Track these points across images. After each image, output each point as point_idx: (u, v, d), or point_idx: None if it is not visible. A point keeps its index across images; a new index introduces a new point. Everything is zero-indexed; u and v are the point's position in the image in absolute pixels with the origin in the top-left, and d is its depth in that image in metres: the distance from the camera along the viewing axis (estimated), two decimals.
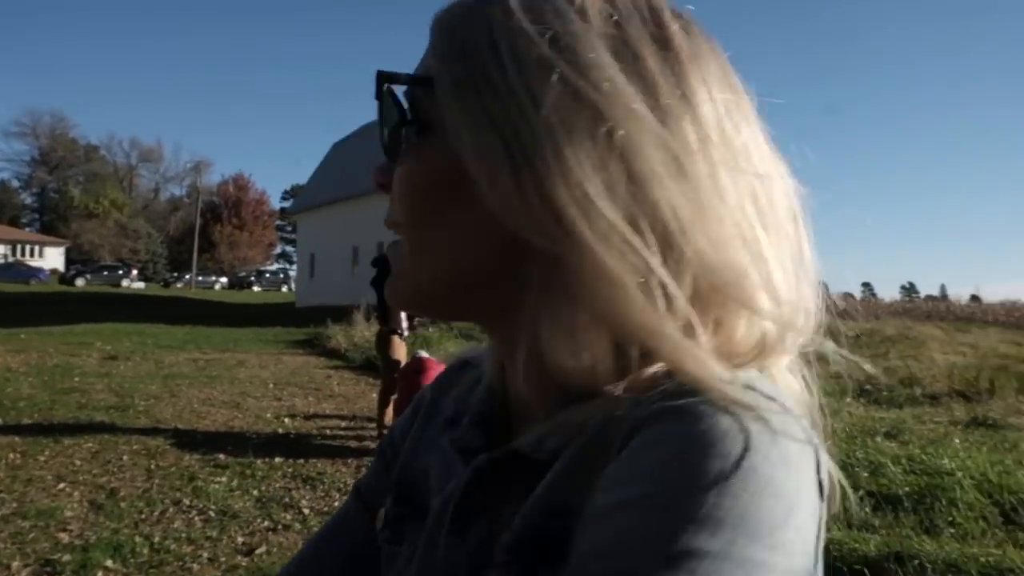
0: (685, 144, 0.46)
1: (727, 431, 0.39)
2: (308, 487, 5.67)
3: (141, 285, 51.26)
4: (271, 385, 10.75)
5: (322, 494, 5.51)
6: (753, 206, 0.48)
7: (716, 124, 0.48)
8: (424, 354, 7.27)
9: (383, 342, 7.50)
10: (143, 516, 4.80)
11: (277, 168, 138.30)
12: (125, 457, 6.29)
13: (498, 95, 0.47)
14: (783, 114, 0.54)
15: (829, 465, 0.45)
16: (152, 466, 6.03)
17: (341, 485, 5.71)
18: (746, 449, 0.39)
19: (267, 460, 6.35)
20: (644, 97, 0.46)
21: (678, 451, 0.39)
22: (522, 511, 0.48)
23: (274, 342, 17.59)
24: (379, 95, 0.54)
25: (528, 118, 0.46)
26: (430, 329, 15.54)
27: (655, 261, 0.44)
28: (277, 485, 5.68)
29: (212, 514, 4.90)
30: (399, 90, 0.53)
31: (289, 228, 67.07)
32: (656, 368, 0.46)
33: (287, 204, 66.71)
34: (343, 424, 8.14)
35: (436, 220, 0.52)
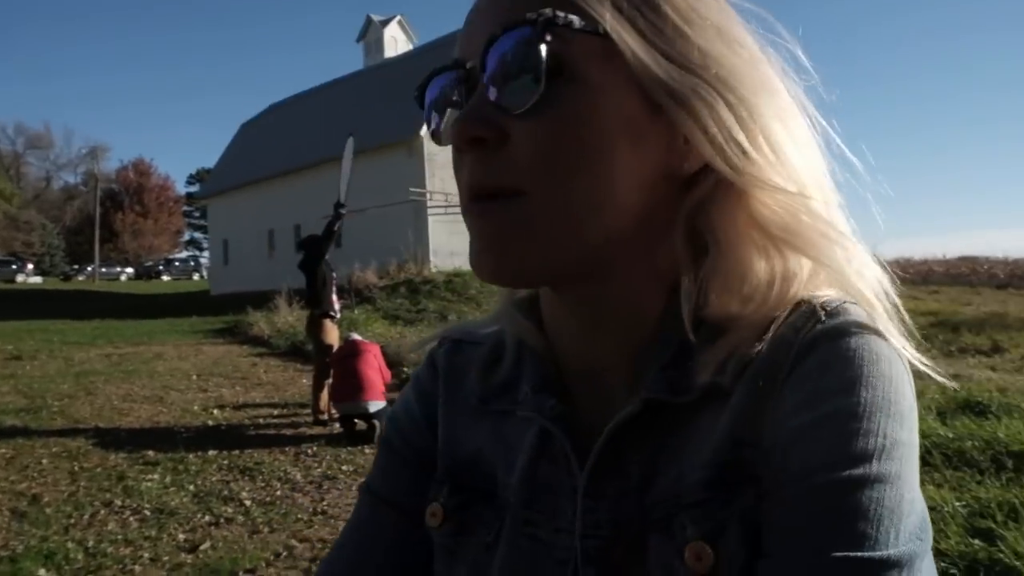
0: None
1: (877, 343, 0.48)
2: (247, 478, 5.51)
3: (39, 279, 48.29)
4: (194, 376, 10.35)
5: (262, 484, 5.36)
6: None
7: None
8: (357, 336, 7.15)
9: (315, 326, 7.32)
10: (72, 521, 4.56)
11: (181, 152, 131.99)
12: (44, 461, 5.95)
13: (658, 40, 0.49)
14: None
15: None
16: (75, 468, 5.73)
17: (281, 474, 5.58)
18: (890, 357, 0.48)
19: (200, 454, 6.13)
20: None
21: (858, 361, 0.46)
22: (710, 448, 0.49)
23: (191, 332, 16.92)
24: (493, 42, 0.49)
25: (721, 58, 0.50)
26: (355, 312, 15.28)
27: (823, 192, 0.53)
28: (214, 479, 5.50)
29: (148, 513, 4.70)
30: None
31: (197, 214, 64.39)
32: (779, 296, 0.51)
33: (194, 189, 63.96)
34: (275, 412, 7.92)
35: (587, 177, 0.48)
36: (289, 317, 15.28)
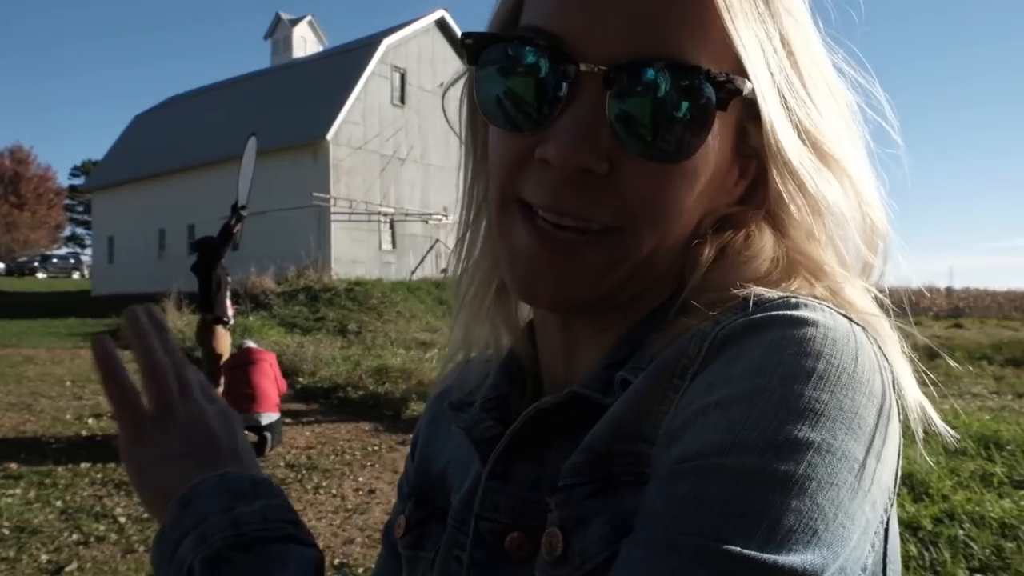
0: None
1: (820, 335, 0.40)
2: (123, 493, 5.16)
3: None
4: (68, 383, 9.66)
5: (139, 500, 5.03)
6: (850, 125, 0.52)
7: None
8: (252, 344, 6.89)
9: (205, 331, 6.99)
10: None
11: (65, 142, 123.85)
12: None
13: (797, 105, 0.48)
14: None
15: (916, 394, 0.48)
16: None
17: None
18: (839, 351, 0.40)
19: (70, 466, 5.71)
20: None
21: (774, 350, 0.40)
22: (590, 435, 0.45)
23: (68, 335, 15.80)
24: (643, 66, 0.44)
25: (834, 139, 0.50)
26: (250, 318, 14.74)
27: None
28: (85, 493, 5.13)
29: (6, 532, 4.32)
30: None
31: (81, 208, 60.48)
32: (716, 289, 0.47)
33: (78, 181, 60.07)
34: None
35: (686, 213, 0.48)
36: (179, 322, 14.53)
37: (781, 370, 0.39)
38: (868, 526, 0.38)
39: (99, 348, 0.56)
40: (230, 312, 7.09)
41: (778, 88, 0.47)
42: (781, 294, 0.44)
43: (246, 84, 26.03)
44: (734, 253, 0.48)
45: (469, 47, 0.50)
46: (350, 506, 5.01)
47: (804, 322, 0.41)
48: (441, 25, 24.80)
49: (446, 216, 24.24)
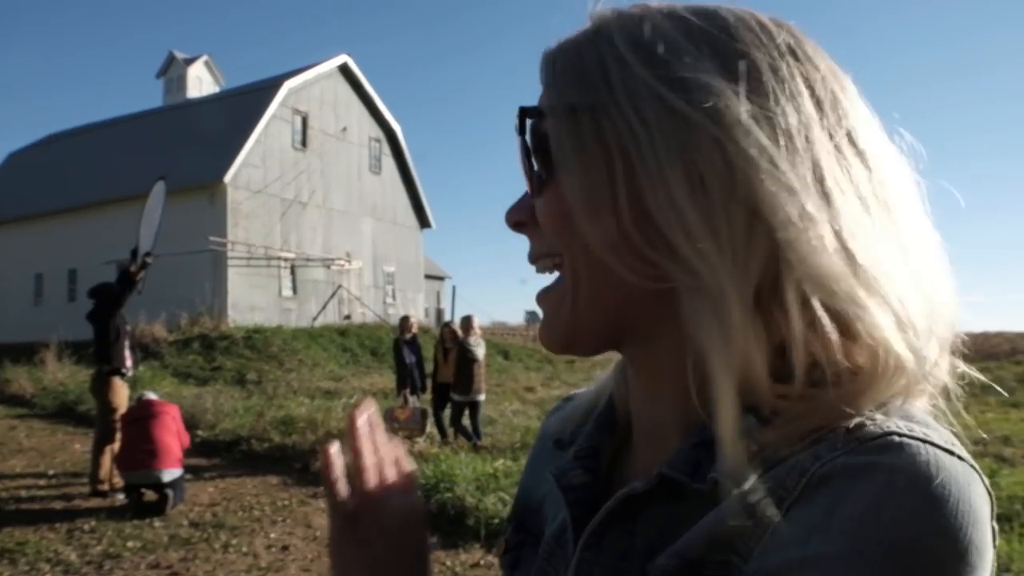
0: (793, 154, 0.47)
1: (924, 486, 0.40)
2: (6, 561, 4.74)
3: None
4: None
5: (26, 568, 4.64)
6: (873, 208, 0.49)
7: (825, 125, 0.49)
8: (152, 395, 6.53)
9: (101, 383, 6.57)
10: None
11: None
12: None
13: (610, 120, 0.50)
14: None
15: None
16: None
17: (51, 555, 4.86)
18: (944, 504, 0.39)
19: None
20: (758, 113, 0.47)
21: (876, 507, 0.39)
22: (683, 542, 0.48)
23: None
24: (520, 130, 0.54)
25: (633, 139, 0.48)
26: (140, 368, 13.93)
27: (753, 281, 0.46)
28: None
29: None
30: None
31: None
32: (823, 407, 0.45)
33: None
34: (42, 482, 6.93)
35: (580, 251, 0.52)
36: (59, 373, 13.57)
37: (878, 533, 0.39)
38: None
39: (326, 455, 0.60)
40: (128, 363, 6.70)
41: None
42: (883, 427, 0.43)
43: (136, 123, 24.98)
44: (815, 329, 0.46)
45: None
46: (263, 564, 4.79)
47: (910, 470, 0.40)
48: (344, 70, 24.79)
49: (349, 261, 23.89)
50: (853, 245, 0.46)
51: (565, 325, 0.54)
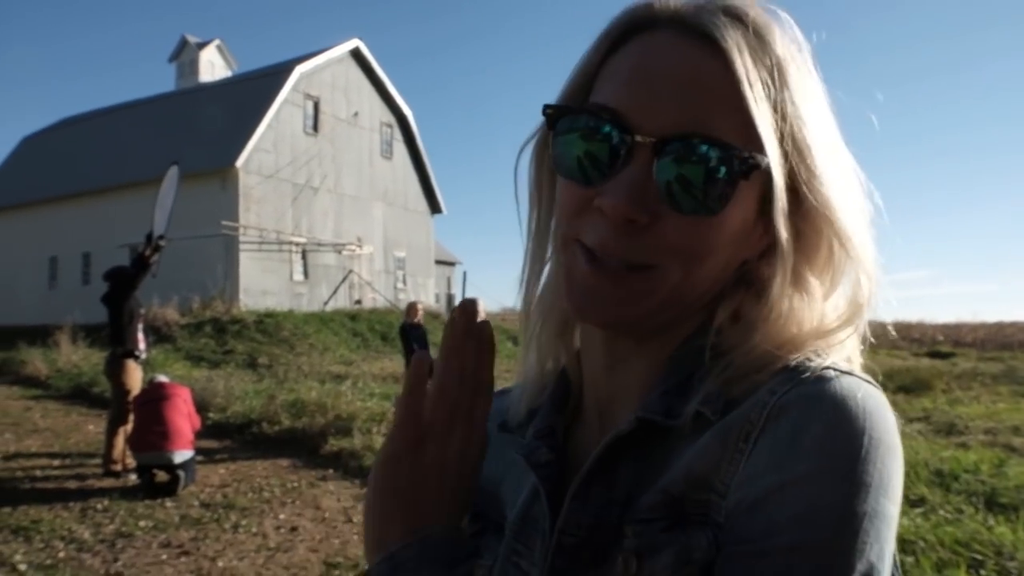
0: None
1: (861, 409, 0.50)
2: (22, 539, 4.83)
3: None
4: None
5: (41, 545, 4.73)
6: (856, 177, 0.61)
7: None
8: (164, 378, 6.60)
9: (115, 366, 6.64)
10: None
11: None
12: None
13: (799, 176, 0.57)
14: None
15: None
16: None
17: (64, 533, 4.95)
18: (875, 422, 0.50)
19: None
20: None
21: (831, 429, 0.49)
22: (667, 479, 0.55)
23: None
24: (684, 140, 0.54)
25: (838, 204, 0.59)
26: (153, 351, 14.06)
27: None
28: None
29: None
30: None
31: None
32: (766, 341, 0.56)
33: None
34: (56, 463, 7.04)
35: (710, 265, 0.57)
36: (73, 355, 13.72)
37: (838, 448, 0.49)
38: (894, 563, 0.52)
39: (418, 362, 0.57)
40: (142, 346, 6.78)
41: (788, 163, 0.56)
42: (822, 362, 0.54)
43: (149, 107, 25.06)
44: (761, 301, 0.59)
45: (549, 116, 0.60)
46: (272, 544, 4.86)
47: (848, 397, 0.51)
48: (356, 54, 24.74)
49: (360, 246, 23.95)
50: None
51: (639, 315, 0.58)
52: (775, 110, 0.55)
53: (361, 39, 24.77)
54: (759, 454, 0.50)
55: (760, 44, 0.56)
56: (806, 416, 0.50)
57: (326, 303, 21.92)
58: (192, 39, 27.67)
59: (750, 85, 0.54)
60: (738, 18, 0.56)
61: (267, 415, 8.74)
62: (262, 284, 20.52)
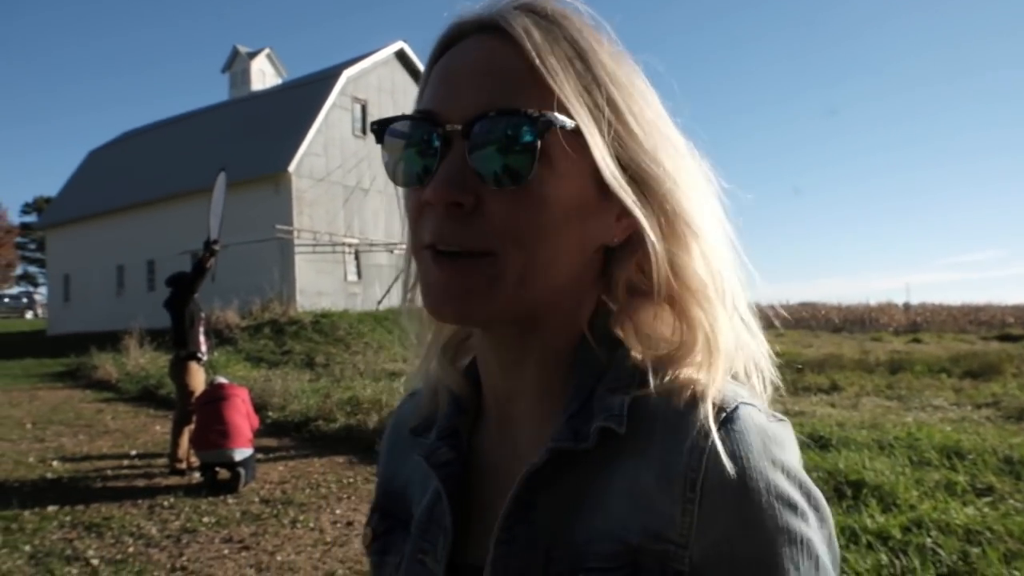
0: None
1: (766, 447, 0.55)
2: (94, 535, 5.05)
3: None
4: (29, 425, 9.40)
5: (112, 541, 4.94)
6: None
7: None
8: (223, 379, 6.81)
9: (179, 368, 6.89)
10: None
11: (15, 179, 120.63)
12: None
13: (620, 137, 0.58)
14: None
15: None
16: None
17: (133, 529, 5.16)
18: (789, 454, 0.56)
19: (37, 510, 5.56)
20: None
21: (766, 505, 0.52)
22: (616, 522, 0.55)
23: (25, 376, 15.35)
24: (484, 118, 0.55)
25: (663, 157, 0.59)
26: (215, 353, 14.50)
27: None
28: (54, 537, 5.00)
29: None
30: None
31: (34, 246, 58.90)
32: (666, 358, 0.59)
33: (30, 218, 58.56)
34: (125, 462, 7.33)
35: (551, 245, 0.56)
36: (141, 359, 14.26)
37: (778, 523, 0.52)
38: None
39: None
40: (204, 348, 7.01)
41: (608, 128, 0.56)
42: (736, 398, 0.57)
43: (204, 117, 25.85)
44: (634, 304, 0.61)
45: (375, 132, 0.62)
46: (329, 539, 4.97)
47: (776, 447, 0.55)
48: (400, 56, 25.01)
49: None
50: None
51: (489, 306, 0.57)
52: (577, 78, 0.56)
53: (405, 40, 25.05)
54: (713, 501, 0.52)
55: (553, 24, 0.58)
56: (740, 455, 0.53)
57: (380, 302, 22.25)
58: (243, 49, 28.39)
59: (543, 58, 0.55)
60: (531, 9, 0.59)
61: (323, 413, 8.93)
62: (317, 285, 20.96)
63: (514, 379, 0.63)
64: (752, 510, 0.51)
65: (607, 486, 0.56)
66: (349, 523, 5.30)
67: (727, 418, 0.54)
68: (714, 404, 0.55)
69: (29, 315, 45.97)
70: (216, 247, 6.92)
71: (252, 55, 28.13)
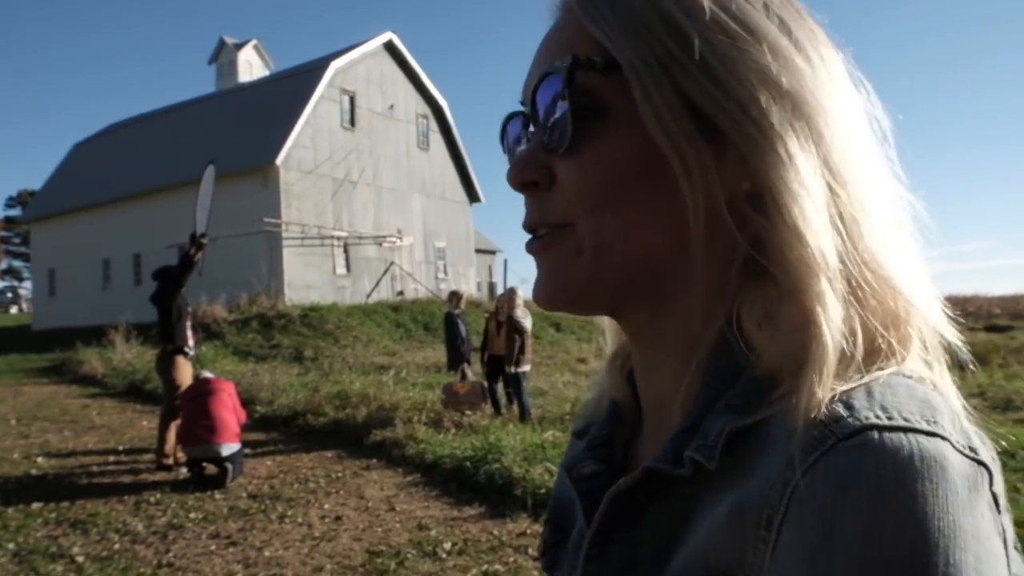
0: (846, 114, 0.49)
1: (911, 492, 0.37)
2: (79, 532, 5.00)
3: None
4: (13, 421, 9.32)
5: (97, 538, 4.89)
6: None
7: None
8: (209, 374, 6.76)
9: (166, 362, 6.83)
10: None
11: None
12: None
13: (687, 71, 0.48)
14: None
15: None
16: None
17: (119, 525, 5.12)
18: (932, 507, 0.37)
19: (21, 507, 5.51)
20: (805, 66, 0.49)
21: (867, 530, 0.37)
22: (682, 556, 0.46)
23: (9, 372, 15.22)
24: (538, 88, 0.52)
25: (723, 92, 0.47)
26: (203, 348, 14.42)
27: (846, 251, 0.46)
28: (39, 534, 4.95)
29: None
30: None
31: (18, 240, 58.41)
32: (805, 385, 0.43)
33: (14, 212, 58.03)
34: (111, 458, 7.27)
35: (627, 207, 0.50)
36: (127, 354, 14.17)
37: (876, 557, 0.37)
38: None
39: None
40: (191, 342, 6.95)
41: (656, 63, 0.48)
42: (862, 419, 0.40)
43: (190, 109, 25.63)
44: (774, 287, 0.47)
45: (500, 139, 0.62)
46: (317, 534, 4.95)
47: (891, 475, 0.38)
48: (389, 47, 24.86)
49: (400, 238, 24.16)
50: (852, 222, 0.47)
51: (577, 282, 0.52)
52: (626, 21, 0.49)
53: (394, 31, 24.89)
54: (788, 553, 0.40)
55: None
56: (834, 509, 0.38)
57: (369, 295, 22.19)
58: (230, 40, 28.15)
59: (586, 9, 0.51)
60: None
61: (312, 407, 8.90)
62: (305, 279, 20.86)
63: (657, 380, 0.56)
64: None
65: (697, 515, 0.47)
66: (338, 518, 5.28)
67: (835, 446, 0.40)
68: (826, 424, 0.41)
69: (14, 310, 45.63)
70: (204, 240, 6.86)
71: (239, 46, 27.89)
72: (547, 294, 0.53)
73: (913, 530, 0.37)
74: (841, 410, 0.41)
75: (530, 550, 4.53)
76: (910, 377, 0.44)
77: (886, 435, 0.39)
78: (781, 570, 0.40)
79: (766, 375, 0.45)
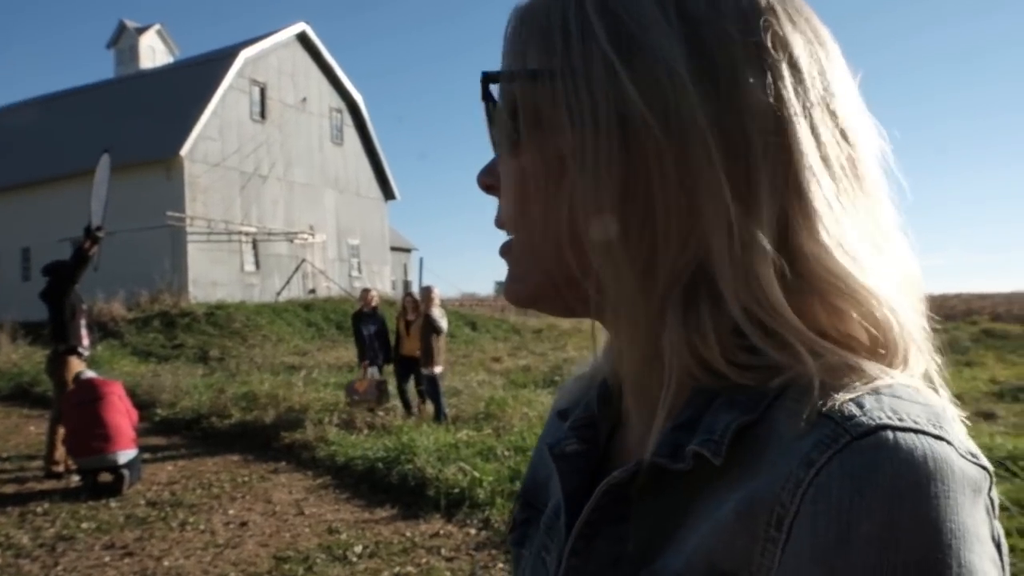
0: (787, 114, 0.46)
1: (925, 494, 0.38)
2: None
3: None
4: None
5: None
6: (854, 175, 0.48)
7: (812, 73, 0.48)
8: (91, 374, 6.39)
9: (57, 363, 6.42)
10: None
11: None
12: None
13: (568, 92, 0.48)
14: None
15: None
16: None
17: (1, 539, 4.79)
18: (944, 510, 0.38)
19: None
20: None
21: (883, 526, 0.37)
22: (684, 562, 0.45)
23: None
24: (486, 95, 0.53)
25: (582, 117, 0.47)
26: (99, 348, 13.66)
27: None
28: None
29: None
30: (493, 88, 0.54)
31: None
32: (792, 366, 0.44)
33: None
34: None
35: (543, 208, 0.51)
36: (13, 355, 13.26)
37: (895, 556, 0.37)
38: None
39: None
40: (86, 342, 6.56)
41: (583, 60, 0.48)
42: (875, 419, 0.40)
43: (87, 95, 24.18)
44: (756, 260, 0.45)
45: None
46: (221, 541, 4.76)
47: (907, 476, 0.38)
48: (302, 39, 24.22)
49: (312, 235, 23.58)
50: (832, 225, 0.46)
51: (527, 283, 0.54)
52: (559, 24, 0.49)
53: (308, 23, 24.26)
54: (801, 553, 0.39)
55: None
56: (850, 510, 0.38)
57: (279, 293, 21.57)
58: (131, 24, 26.78)
59: (523, 16, 0.52)
60: None
61: (217, 409, 8.57)
62: (212, 276, 20.08)
63: (641, 369, 0.52)
64: None
65: (694, 513, 0.46)
66: (243, 523, 5.10)
67: (850, 445, 0.39)
68: (839, 422, 0.40)
69: None
70: (99, 234, 6.48)
71: (141, 31, 26.57)
72: (508, 294, 0.56)
73: (929, 532, 0.37)
74: (853, 409, 0.41)
75: (443, 550, 4.51)
76: (908, 385, 0.44)
77: (900, 436, 0.39)
78: (793, 570, 0.39)
79: (769, 375, 0.45)
